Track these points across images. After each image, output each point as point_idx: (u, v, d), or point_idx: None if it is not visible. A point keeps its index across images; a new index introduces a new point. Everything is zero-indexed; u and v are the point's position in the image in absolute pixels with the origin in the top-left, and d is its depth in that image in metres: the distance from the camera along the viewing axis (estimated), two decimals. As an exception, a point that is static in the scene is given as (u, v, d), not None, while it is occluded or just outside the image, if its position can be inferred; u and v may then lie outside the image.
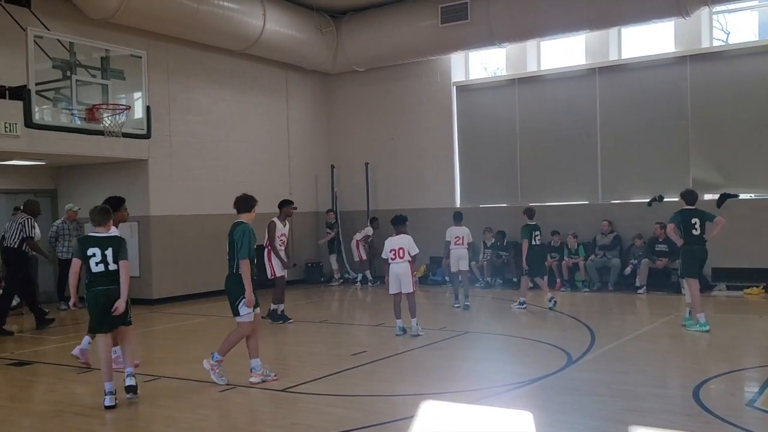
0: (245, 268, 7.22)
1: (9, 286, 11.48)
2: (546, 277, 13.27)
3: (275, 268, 11.27)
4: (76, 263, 6.78)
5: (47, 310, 11.97)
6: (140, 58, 11.17)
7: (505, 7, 14.94)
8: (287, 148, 17.54)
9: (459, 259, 12.24)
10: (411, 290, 9.90)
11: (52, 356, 9.55)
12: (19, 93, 9.77)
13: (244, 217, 7.50)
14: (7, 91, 10.08)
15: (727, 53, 14.63)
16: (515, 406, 6.34)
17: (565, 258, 15.10)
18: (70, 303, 6.96)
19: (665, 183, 14.54)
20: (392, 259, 9.94)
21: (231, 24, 14.41)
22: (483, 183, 17.04)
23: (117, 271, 6.69)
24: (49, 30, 10.73)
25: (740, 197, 14.18)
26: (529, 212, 12.37)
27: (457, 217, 12.52)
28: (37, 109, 9.88)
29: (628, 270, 14.43)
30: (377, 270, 16.79)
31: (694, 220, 9.82)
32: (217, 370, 7.37)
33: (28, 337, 11.04)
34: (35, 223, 11.76)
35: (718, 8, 14.37)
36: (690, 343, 9.36)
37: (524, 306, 12.11)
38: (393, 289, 9.98)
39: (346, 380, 7.58)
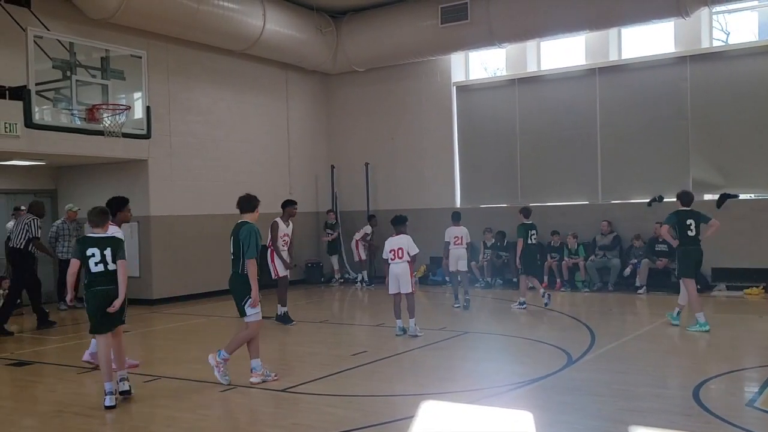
0: (252, 268, 7.23)
1: (15, 286, 11.48)
2: (541, 277, 13.26)
3: (278, 268, 11.27)
4: (74, 264, 6.79)
5: (48, 311, 11.96)
6: (140, 58, 11.19)
7: (505, 8, 14.95)
8: (287, 148, 17.55)
9: (458, 259, 12.25)
10: (410, 290, 9.90)
11: (53, 356, 9.56)
12: (19, 93, 9.78)
13: (248, 217, 7.51)
14: (7, 91, 10.09)
15: (727, 53, 14.63)
16: (515, 406, 6.35)
17: (565, 258, 15.10)
18: (67, 299, 6.97)
19: (665, 183, 14.53)
20: (392, 259, 9.96)
21: (231, 24, 14.41)
22: (483, 183, 17.04)
23: (116, 271, 6.70)
24: (49, 30, 10.75)
25: (740, 197, 14.19)
26: (525, 211, 12.40)
27: (456, 217, 12.53)
28: (37, 109, 9.90)
29: (627, 271, 14.43)
30: (377, 270, 16.80)
31: (689, 222, 9.85)
32: (222, 369, 7.35)
33: (29, 338, 11.04)
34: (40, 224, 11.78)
35: (718, 8, 14.37)
36: (690, 343, 9.36)
37: (524, 306, 12.11)
38: (392, 290, 9.98)
39: (346, 380, 7.58)
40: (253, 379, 7.34)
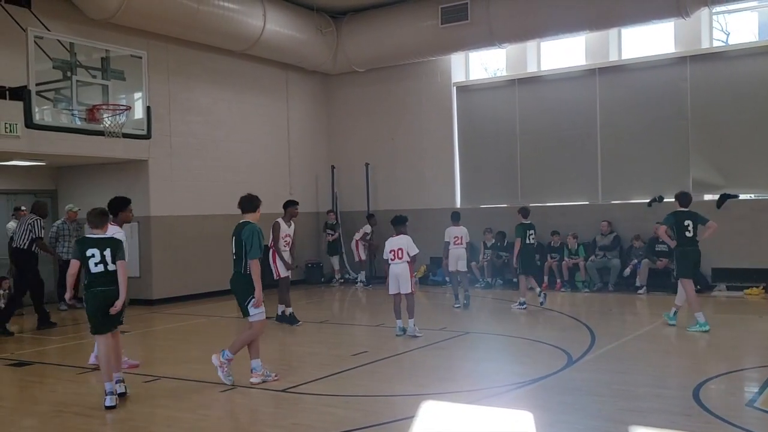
0: (255, 268, 7.23)
1: (19, 287, 11.49)
2: (540, 277, 13.26)
3: (279, 269, 11.27)
4: (74, 264, 6.79)
5: (48, 311, 11.96)
6: (140, 58, 11.18)
7: (505, 8, 14.95)
8: (287, 148, 17.55)
9: (457, 259, 12.27)
10: (409, 291, 9.89)
11: (53, 357, 9.56)
12: (20, 93, 9.79)
13: (250, 217, 7.51)
14: (7, 92, 10.10)
15: (727, 54, 14.63)
16: (515, 406, 6.35)
17: (566, 258, 15.10)
18: (66, 297, 6.98)
19: (665, 183, 14.53)
20: (392, 259, 9.96)
21: (231, 24, 14.42)
22: (483, 183, 17.05)
23: (116, 272, 6.71)
24: (49, 30, 10.75)
25: (740, 197, 14.19)
26: (524, 211, 12.42)
27: (455, 217, 12.55)
28: (37, 109, 9.89)
29: (627, 271, 14.43)
30: (377, 270, 16.80)
31: (687, 222, 9.87)
32: (226, 369, 7.34)
33: (29, 338, 11.04)
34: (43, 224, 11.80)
35: (718, 9, 14.37)
36: (690, 343, 9.36)
37: (524, 306, 12.11)
38: (392, 290, 9.98)
39: (346, 380, 7.59)
40: (253, 380, 7.34)
